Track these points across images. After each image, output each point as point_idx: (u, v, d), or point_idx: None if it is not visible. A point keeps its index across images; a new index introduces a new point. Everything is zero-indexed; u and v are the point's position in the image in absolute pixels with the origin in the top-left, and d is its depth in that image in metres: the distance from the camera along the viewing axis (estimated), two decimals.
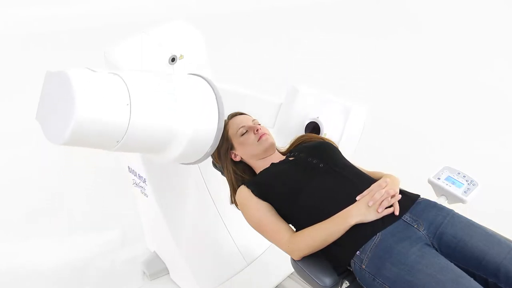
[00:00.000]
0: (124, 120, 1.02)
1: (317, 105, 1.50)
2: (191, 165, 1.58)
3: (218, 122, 1.20)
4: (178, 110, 1.13)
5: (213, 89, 1.22)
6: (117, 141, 1.04)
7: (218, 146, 1.43)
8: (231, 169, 1.42)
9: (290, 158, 1.36)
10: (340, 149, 1.37)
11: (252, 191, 1.28)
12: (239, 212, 1.34)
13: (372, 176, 1.29)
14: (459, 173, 1.36)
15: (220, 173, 1.55)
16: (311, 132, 1.50)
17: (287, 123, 1.52)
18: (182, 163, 1.31)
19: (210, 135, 1.20)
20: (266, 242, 1.84)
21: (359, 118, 1.49)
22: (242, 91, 1.51)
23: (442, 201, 1.33)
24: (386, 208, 1.12)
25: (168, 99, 1.13)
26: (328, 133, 1.45)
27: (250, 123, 1.43)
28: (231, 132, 1.42)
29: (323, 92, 1.53)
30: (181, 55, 1.39)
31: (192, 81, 1.22)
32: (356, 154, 1.49)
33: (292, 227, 1.24)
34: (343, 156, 1.35)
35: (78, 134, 0.96)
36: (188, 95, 1.16)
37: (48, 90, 1.01)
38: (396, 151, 2.61)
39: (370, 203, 1.11)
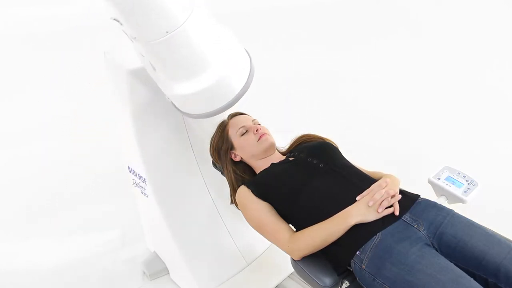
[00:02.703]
0: (183, 15, 1.05)
1: None
2: (190, 163, 1.59)
3: (243, 87, 1.24)
4: (221, 51, 1.18)
5: (250, 66, 1.28)
6: (167, 32, 1.05)
7: (218, 146, 1.44)
8: (231, 169, 1.42)
9: (290, 158, 1.36)
10: None
11: (252, 191, 1.28)
12: (239, 212, 1.33)
13: (372, 176, 1.29)
14: (459, 173, 1.36)
15: (220, 173, 1.55)
16: None
17: None
18: (184, 112, 1.32)
19: (231, 92, 1.23)
20: (266, 242, 1.84)
21: None
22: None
23: (442, 201, 1.33)
24: (386, 208, 1.12)
25: (218, 38, 1.18)
26: None
27: (250, 123, 1.43)
28: (231, 132, 1.42)
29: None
30: None
31: (242, 46, 1.29)
32: (356, 154, 1.49)
33: (292, 227, 1.24)
34: (343, 156, 1.35)
35: None
36: (234, 47, 1.23)
37: None
38: (396, 151, 2.61)
39: (370, 203, 1.11)
